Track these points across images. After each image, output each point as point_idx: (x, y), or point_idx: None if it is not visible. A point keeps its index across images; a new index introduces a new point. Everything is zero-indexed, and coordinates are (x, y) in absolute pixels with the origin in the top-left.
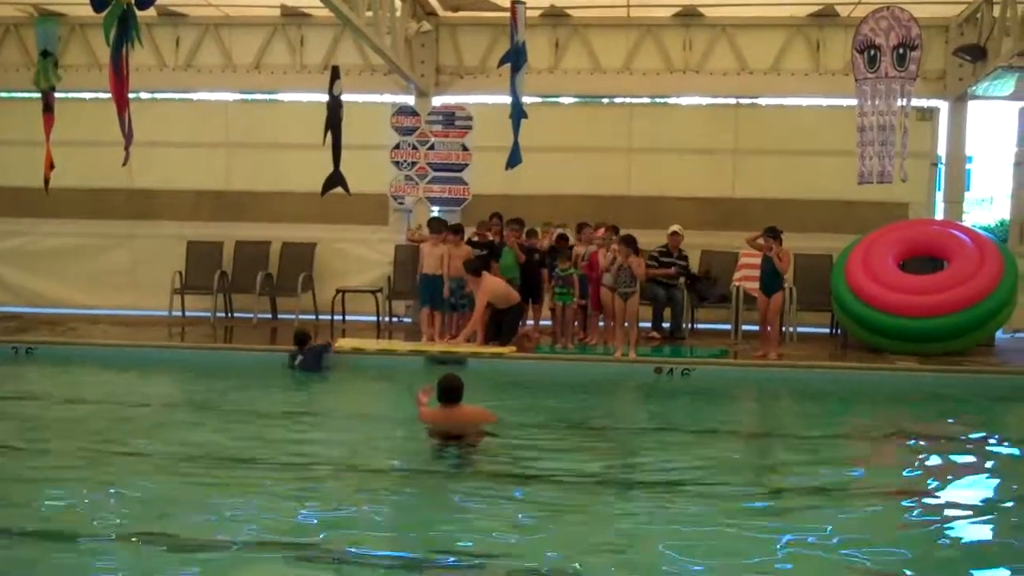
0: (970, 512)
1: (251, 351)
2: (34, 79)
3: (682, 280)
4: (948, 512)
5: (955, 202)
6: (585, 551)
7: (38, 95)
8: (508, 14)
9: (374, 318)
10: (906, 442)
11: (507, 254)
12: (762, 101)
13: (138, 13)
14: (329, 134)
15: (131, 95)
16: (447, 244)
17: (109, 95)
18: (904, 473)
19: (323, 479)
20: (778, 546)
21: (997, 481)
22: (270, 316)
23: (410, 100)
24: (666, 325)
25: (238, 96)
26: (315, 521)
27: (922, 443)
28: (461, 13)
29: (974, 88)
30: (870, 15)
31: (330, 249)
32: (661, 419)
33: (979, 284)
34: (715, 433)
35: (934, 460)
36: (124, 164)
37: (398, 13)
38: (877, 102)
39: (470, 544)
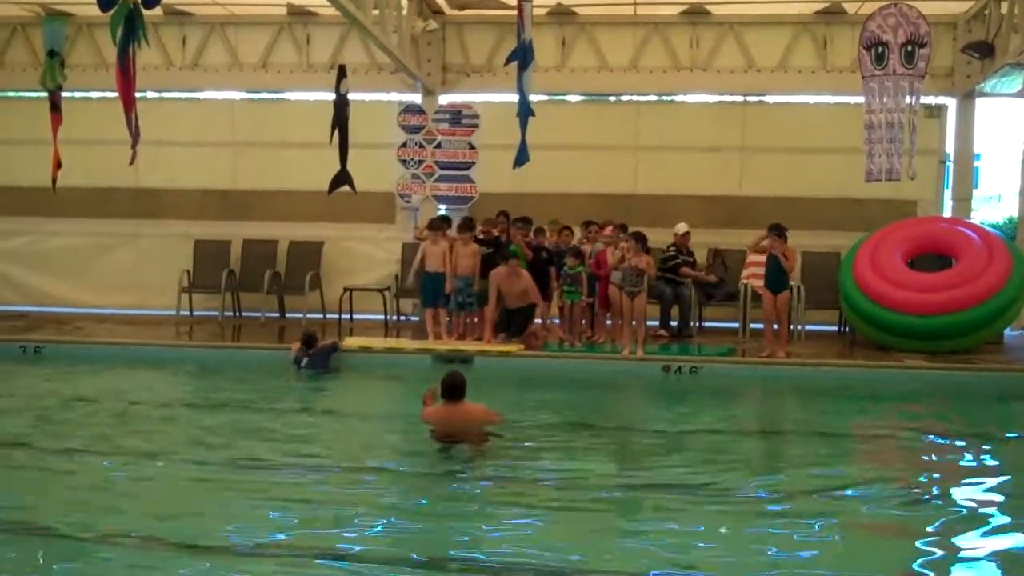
0: (980, 511)
1: (259, 350)
2: (40, 79)
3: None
4: (957, 511)
5: (963, 199)
6: (591, 551)
7: (45, 95)
8: (515, 12)
9: (381, 316)
10: (915, 440)
11: (515, 252)
12: (769, 99)
13: (145, 12)
14: (336, 133)
15: (138, 94)
16: (448, 240)
17: (116, 94)
18: (913, 472)
19: (329, 479)
20: (787, 545)
21: (1006, 480)
22: (278, 315)
23: (417, 98)
24: (674, 323)
25: (245, 95)
26: (320, 521)
27: (931, 441)
28: (468, 11)
29: (982, 85)
30: (877, 11)
31: (337, 248)
32: (669, 417)
33: (988, 281)
34: (723, 432)
35: (943, 458)
36: (131, 163)
37: (404, 12)
38: (885, 99)
39: (476, 545)
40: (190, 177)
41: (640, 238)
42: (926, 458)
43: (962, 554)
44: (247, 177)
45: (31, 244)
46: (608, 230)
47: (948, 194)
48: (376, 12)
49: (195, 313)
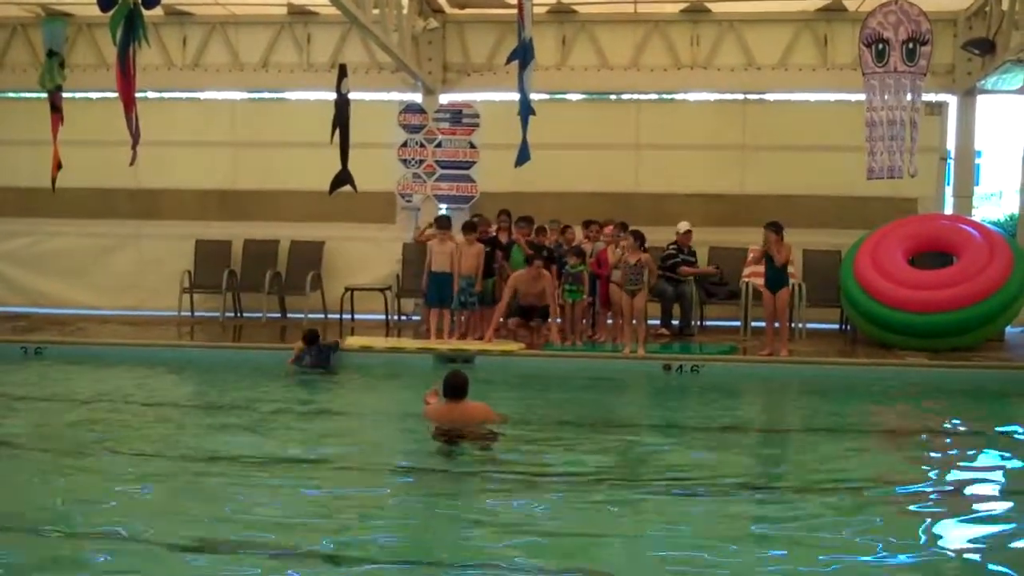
0: (981, 508)
1: (260, 350)
2: (39, 79)
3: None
4: (959, 509)
5: (964, 197)
6: (593, 549)
7: (46, 95)
8: (515, 11)
9: (383, 316)
10: (916, 438)
11: (517, 251)
12: (770, 97)
13: (145, 12)
14: (337, 132)
15: (138, 94)
16: (456, 241)
17: (116, 94)
18: (914, 469)
19: (330, 478)
20: (788, 543)
21: (1007, 477)
22: (279, 315)
23: (417, 98)
24: (675, 322)
25: (245, 95)
26: (321, 520)
27: (933, 439)
28: (468, 10)
29: (983, 82)
30: (878, 8)
31: (338, 248)
32: (670, 416)
33: (989, 279)
34: (725, 430)
35: (945, 456)
36: (131, 163)
37: (405, 11)
38: (887, 97)
39: (476, 543)
40: (191, 177)
41: (638, 236)
42: (928, 456)
43: (964, 553)
44: (248, 177)
45: (31, 245)
46: (609, 229)
47: (949, 191)
48: (376, 11)
49: (196, 314)
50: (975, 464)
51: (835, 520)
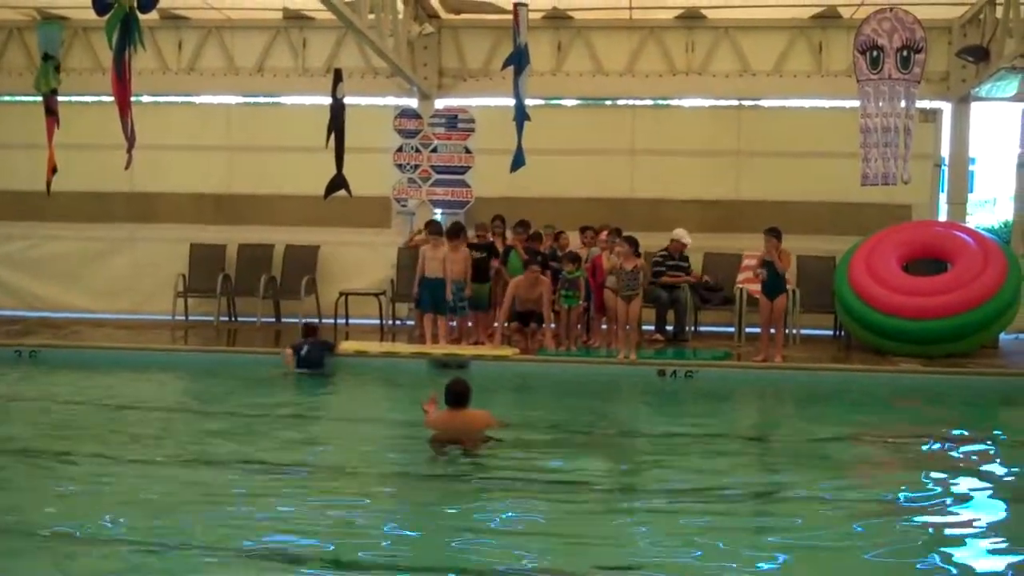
0: (975, 515)
1: (255, 354)
2: (34, 83)
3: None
4: (953, 515)
5: (958, 203)
6: (587, 555)
7: (41, 98)
8: (510, 16)
9: (377, 321)
10: (910, 445)
11: (514, 257)
12: (765, 103)
13: (140, 16)
14: (332, 137)
15: (133, 98)
16: (447, 246)
17: (111, 98)
18: (907, 476)
19: (325, 483)
20: (782, 550)
21: (1001, 484)
22: (273, 319)
23: (413, 103)
24: (670, 328)
25: (240, 99)
26: (315, 525)
27: (927, 446)
28: (463, 15)
29: (977, 89)
30: (872, 15)
31: (333, 252)
32: (665, 422)
33: (983, 286)
34: (718, 436)
35: (938, 462)
36: (126, 167)
37: (400, 16)
38: (881, 104)
39: (472, 548)
40: (186, 181)
41: (632, 242)
42: (921, 462)
43: (957, 558)
44: (243, 181)
45: (26, 248)
46: (604, 234)
47: (943, 198)
48: (372, 16)
49: (190, 317)
50: (970, 471)
51: (830, 526)
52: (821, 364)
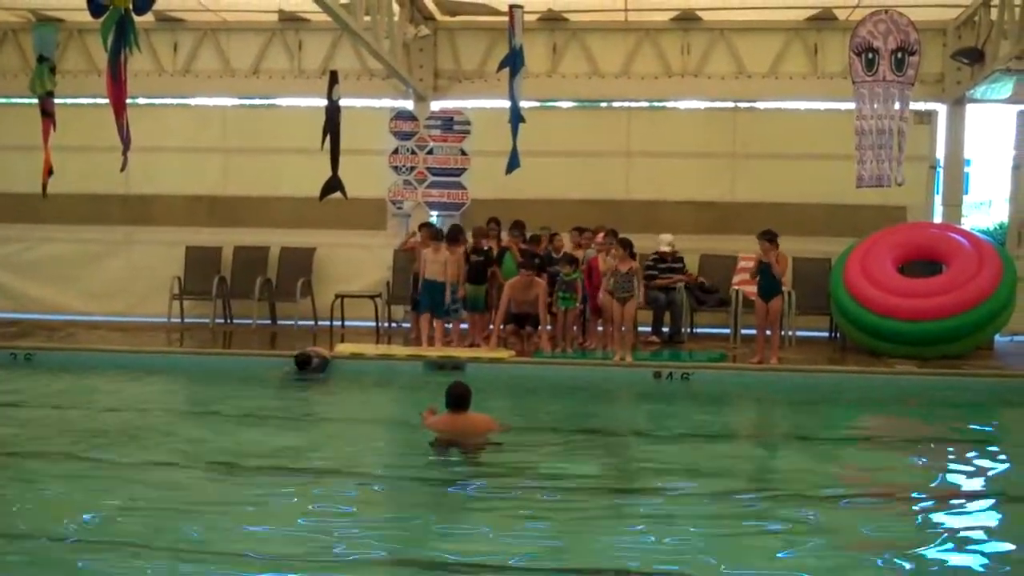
0: (970, 516)
1: (250, 356)
2: (30, 84)
3: (681, 284)
4: (948, 516)
5: (953, 205)
6: (584, 557)
7: (36, 101)
8: (506, 18)
9: (373, 323)
10: (906, 446)
11: (508, 259)
12: (760, 105)
13: (136, 18)
14: (327, 139)
15: (129, 100)
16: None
17: (107, 100)
18: (903, 477)
19: (321, 485)
20: (780, 550)
21: (997, 485)
22: (269, 321)
23: (408, 105)
24: (665, 329)
25: (236, 101)
26: (313, 528)
27: (921, 447)
28: (459, 18)
29: (972, 91)
30: (868, 17)
31: (329, 254)
32: (661, 423)
33: (978, 287)
34: (714, 437)
35: (933, 464)
36: (122, 169)
37: (396, 18)
38: (875, 105)
39: (468, 550)
40: (181, 183)
41: (627, 244)
42: (916, 463)
43: (955, 559)
44: (238, 183)
45: (22, 251)
46: (600, 236)
47: (938, 200)
48: (368, 18)
49: (186, 320)
50: (964, 472)
51: (826, 528)
52: (816, 366)
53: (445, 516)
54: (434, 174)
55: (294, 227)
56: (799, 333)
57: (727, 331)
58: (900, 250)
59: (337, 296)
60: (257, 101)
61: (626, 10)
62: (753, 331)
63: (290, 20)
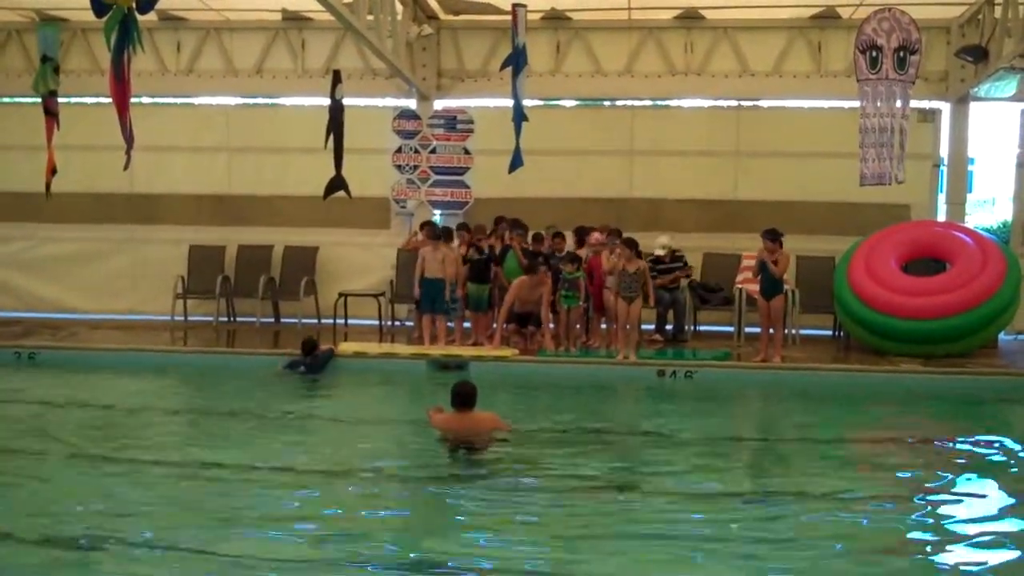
0: (975, 515)
1: (254, 355)
2: (33, 84)
3: (685, 283)
4: (952, 515)
5: (957, 203)
6: (588, 555)
7: (40, 100)
8: (509, 17)
9: (376, 322)
10: (909, 445)
11: (511, 258)
12: (764, 103)
13: (139, 18)
14: (331, 138)
15: (132, 100)
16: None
17: (110, 100)
18: (907, 476)
19: (326, 483)
20: (783, 549)
21: (1001, 484)
22: (272, 320)
23: (412, 104)
24: (669, 328)
25: (239, 100)
26: (317, 526)
27: (926, 446)
28: (462, 17)
29: (976, 89)
30: (873, 15)
31: (332, 253)
32: (664, 422)
33: (982, 286)
34: (718, 436)
35: (938, 463)
36: (125, 168)
37: (399, 17)
38: (879, 103)
39: (473, 548)
40: (185, 182)
41: (632, 244)
42: (921, 462)
43: (957, 558)
44: (242, 182)
45: (26, 249)
46: (594, 237)
47: (942, 198)
48: (371, 17)
49: (189, 318)
50: (969, 471)
51: (829, 528)
52: (820, 364)
53: (448, 515)
54: (437, 173)
55: (298, 226)
56: (803, 331)
57: (731, 330)
58: (904, 248)
59: (340, 295)
60: (260, 100)
61: (629, 9)
62: (757, 330)
63: (293, 19)
